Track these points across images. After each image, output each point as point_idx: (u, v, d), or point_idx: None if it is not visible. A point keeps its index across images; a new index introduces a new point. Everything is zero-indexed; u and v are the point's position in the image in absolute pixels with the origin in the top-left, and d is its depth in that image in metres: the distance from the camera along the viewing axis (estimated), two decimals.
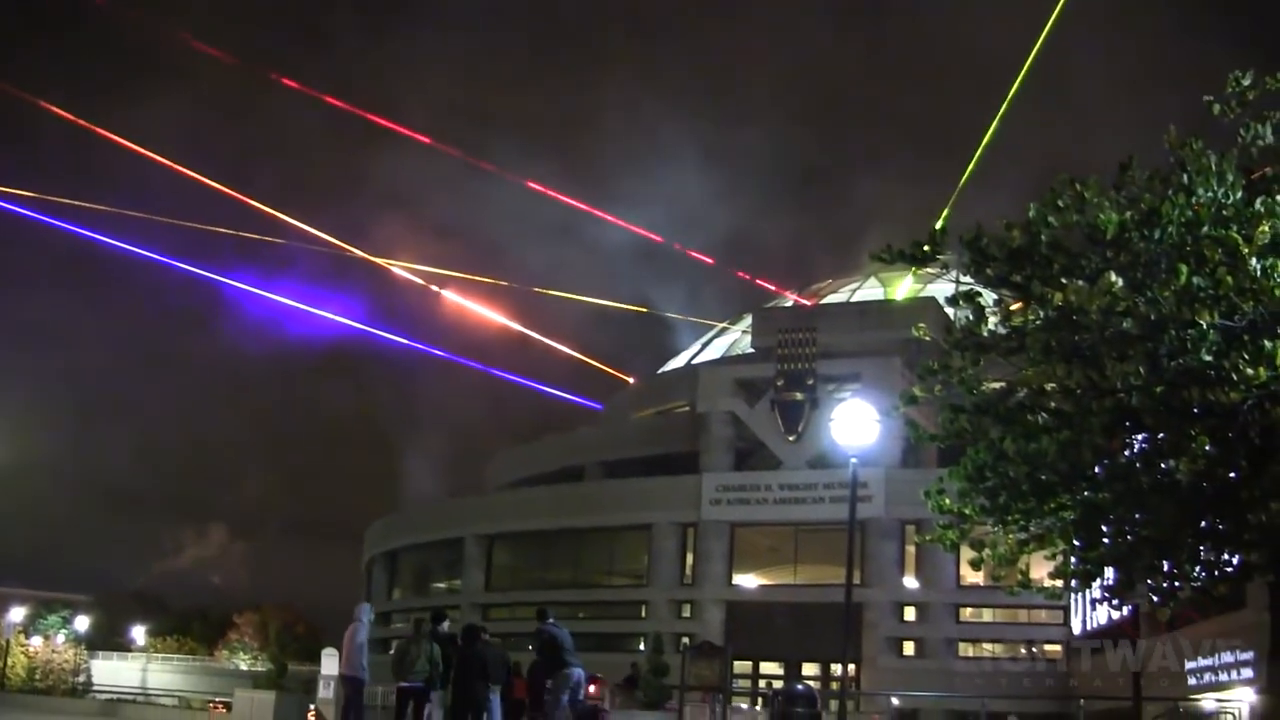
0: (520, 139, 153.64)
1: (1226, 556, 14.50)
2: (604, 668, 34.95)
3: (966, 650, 49.32)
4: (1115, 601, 17.34)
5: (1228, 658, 27.79)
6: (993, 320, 14.64)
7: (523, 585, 58.81)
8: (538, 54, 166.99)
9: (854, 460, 19.99)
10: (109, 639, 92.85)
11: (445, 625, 21.13)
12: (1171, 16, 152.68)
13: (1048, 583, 16.49)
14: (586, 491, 58.64)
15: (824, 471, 47.50)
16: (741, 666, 47.84)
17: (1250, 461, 13.01)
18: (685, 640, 42.97)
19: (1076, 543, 15.04)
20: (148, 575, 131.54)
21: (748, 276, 74.93)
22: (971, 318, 14.53)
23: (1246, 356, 11.62)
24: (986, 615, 49.72)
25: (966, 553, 16.28)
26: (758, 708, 38.89)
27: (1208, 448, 12.44)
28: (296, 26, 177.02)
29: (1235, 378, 11.66)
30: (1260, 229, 11.90)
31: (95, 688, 66.06)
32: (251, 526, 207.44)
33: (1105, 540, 14.76)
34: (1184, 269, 11.95)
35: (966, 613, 49.72)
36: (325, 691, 29.36)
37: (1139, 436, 14.01)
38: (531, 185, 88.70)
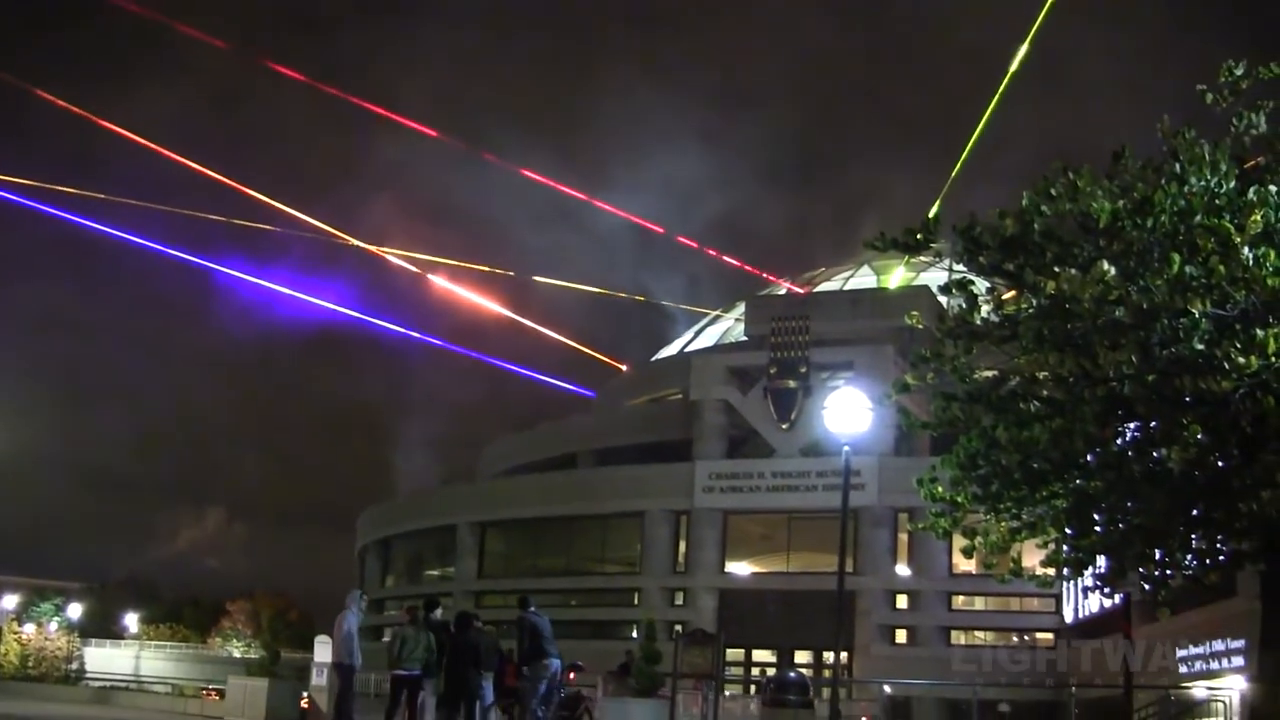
0: (516, 127, 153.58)
1: (1218, 545, 14.54)
2: (596, 655, 34.96)
3: (958, 638, 49.49)
4: (1107, 590, 17.29)
5: (1219, 646, 27.88)
6: (985, 308, 14.63)
7: (515, 573, 58.83)
8: (536, 42, 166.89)
9: (847, 448, 20.01)
10: (102, 626, 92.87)
11: (438, 613, 21.14)
12: (1170, 6, 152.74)
13: (1039, 571, 16.50)
14: (579, 479, 58.70)
15: (817, 459, 47.50)
16: (734, 654, 48.05)
17: (1242, 450, 13.03)
18: (678, 628, 43.03)
19: (1068, 531, 15.07)
20: (141, 562, 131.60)
21: (741, 264, 74.71)
22: (964, 306, 14.52)
23: (1238, 345, 11.64)
24: (978, 603, 49.88)
25: (959, 541, 16.31)
26: (750, 695, 38.92)
27: (1199, 436, 12.46)
28: (291, 14, 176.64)
29: (1227, 366, 11.67)
30: (1252, 218, 11.90)
31: (88, 675, 65.99)
32: (245, 513, 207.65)
33: (1097, 528, 14.79)
34: (1176, 258, 11.96)
35: (958, 601, 49.90)
36: (318, 679, 29.33)
37: (1131, 425, 14.04)
38: (527, 174, 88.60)
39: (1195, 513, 13.94)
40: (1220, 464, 13.22)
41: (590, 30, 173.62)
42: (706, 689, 25.17)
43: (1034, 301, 13.68)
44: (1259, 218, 11.94)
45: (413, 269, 79.69)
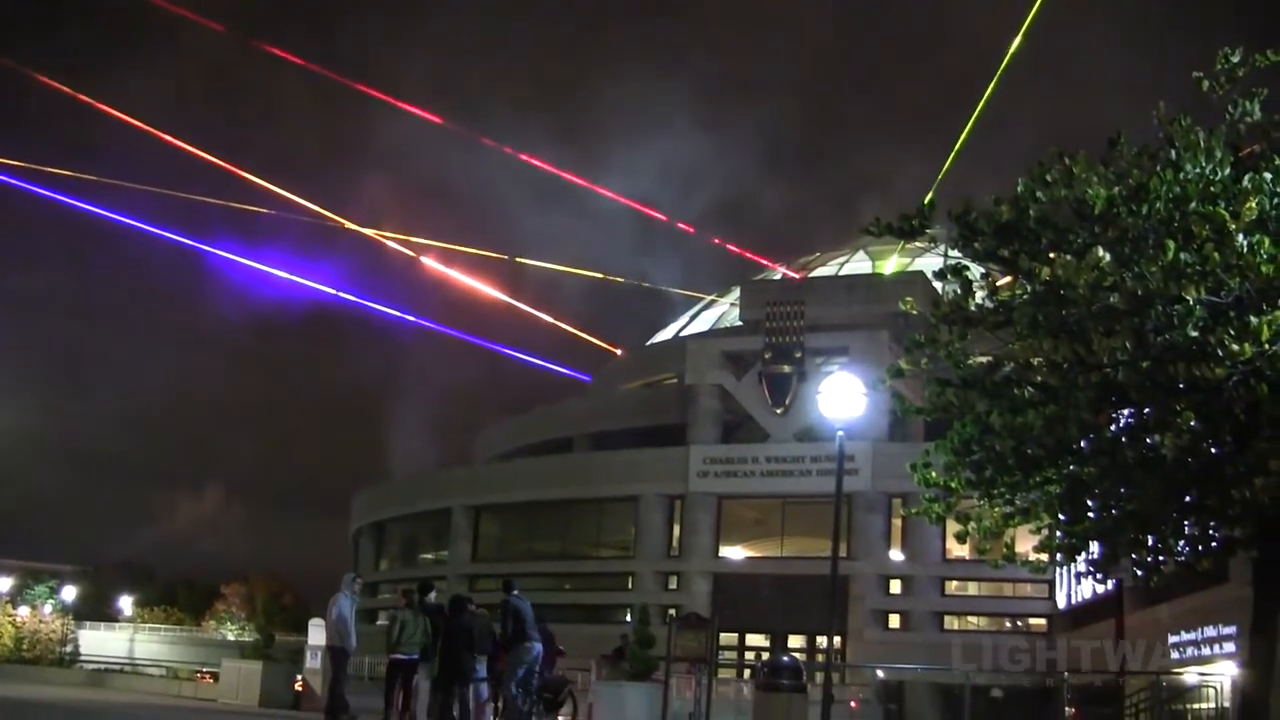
0: (515, 111, 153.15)
1: (1210, 531, 14.58)
2: (590, 639, 35.08)
3: (952, 623, 49.60)
4: (1100, 575, 17.39)
5: (1210, 632, 27.95)
6: (980, 294, 14.65)
7: (510, 556, 58.91)
8: (537, 27, 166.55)
9: (841, 433, 19.99)
10: (96, 609, 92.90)
11: (433, 596, 21.17)
12: None
13: (1033, 556, 16.52)
14: (574, 463, 58.75)
15: (811, 444, 47.57)
16: (728, 638, 48.12)
17: (1235, 437, 13.07)
18: (671, 612, 43.07)
19: (1062, 517, 15.10)
20: (135, 545, 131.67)
21: (739, 250, 74.60)
22: (959, 292, 14.54)
23: (1232, 332, 11.66)
24: (972, 589, 50.00)
25: (952, 526, 16.33)
26: (743, 679, 39.00)
27: (1193, 423, 12.48)
28: None
29: (1221, 353, 11.69)
30: (1247, 205, 11.92)
31: (82, 658, 65.94)
32: (240, 496, 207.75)
33: (1090, 514, 14.83)
34: (1171, 245, 11.98)
35: (952, 586, 49.99)
36: (312, 662, 29.37)
37: (1125, 411, 14.06)
38: (525, 158, 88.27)
39: (1188, 499, 13.98)
40: (1213, 451, 13.26)
41: (591, 16, 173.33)
42: (700, 673, 25.23)
43: (1029, 287, 13.71)
44: (1254, 205, 11.96)
45: (408, 252, 79.47)
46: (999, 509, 15.48)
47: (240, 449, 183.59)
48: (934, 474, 15.59)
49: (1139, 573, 15.34)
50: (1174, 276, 11.99)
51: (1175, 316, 12.09)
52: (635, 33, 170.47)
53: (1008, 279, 14.79)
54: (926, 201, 14.98)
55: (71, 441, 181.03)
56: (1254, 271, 11.76)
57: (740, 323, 57.73)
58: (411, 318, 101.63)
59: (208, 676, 44.28)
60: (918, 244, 35.15)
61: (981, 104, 62.43)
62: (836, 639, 41.99)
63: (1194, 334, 12.01)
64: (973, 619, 50.44)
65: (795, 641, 49.24)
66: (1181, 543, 14.81)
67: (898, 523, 49.16)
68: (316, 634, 29.08)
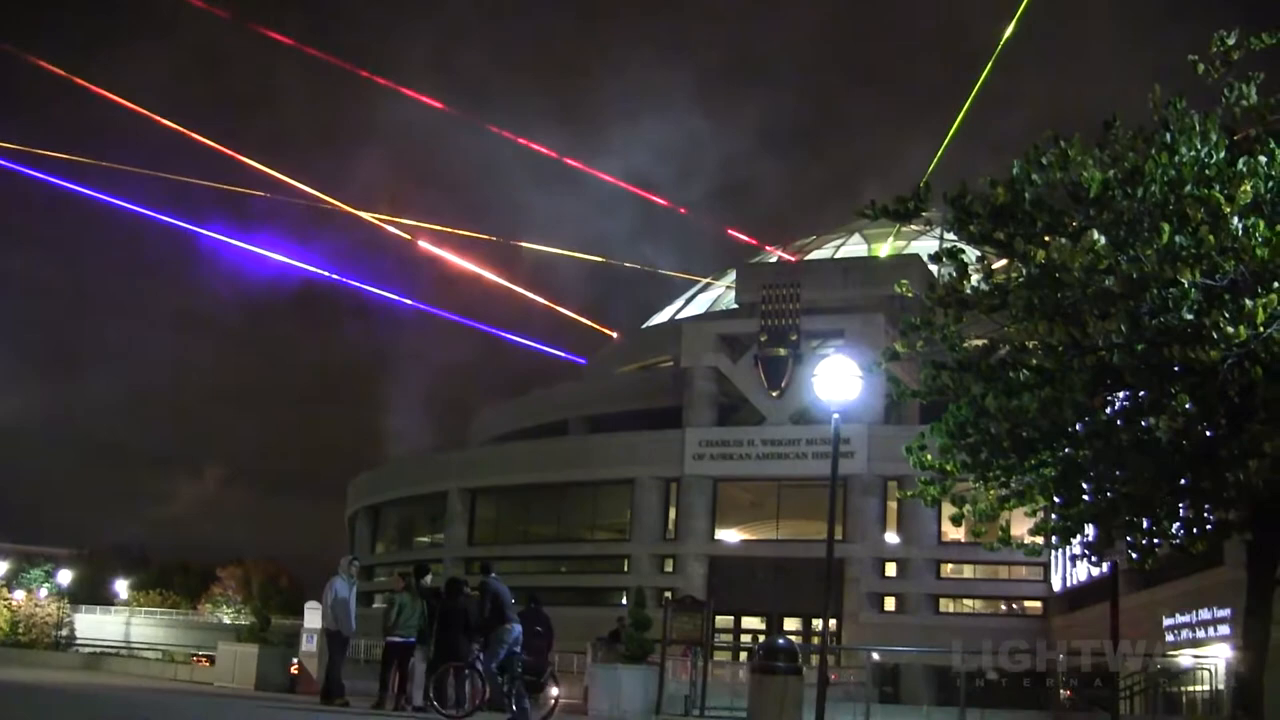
0: (515, 93, 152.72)
1: (1205, 514, 14.61)
2: (586, 622, 35.14)
3: (947, 606, 49.72)
4: (1095, 558, 17.40)
5: (1205, 614, 28.04)
6: (976, 277, 14.65)
7: (506, 539, 58.96)
8: (535, 5, 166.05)
9: (836, 416, 19.99)
10: (92, 592, 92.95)
11: (429, 579, 21.18)
12: None
13: (1028, 539, 16.58)
14: (570, 446, 58.72)
15: (806, 427, 47.56)
16: (723, 621, 48.15)
17: (1229, 420, 13.09)
18: (667, 595, 43.11)
19: (1057, 499, 15.13)
20: (130, 528, 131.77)
21: (737, 232, 74.59)
22: (955, 275, 14.54)
23: (1227, 315, 11.66)
24: (967, 571, 50.07)
25: (948, 509, 16.38)
26: (739, 662, 39.10)
27: (1188, 406, 12.49)
28: None
29: (1215, 336, 11.69)
30: (1242, 188, 11.92)
31: (78, 641, 66.17)
32: (235, 478, 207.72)
33: (1085, 497, 14.85)
34: (1166, 228, 11.98)
35: (947, 569, 50.05)
36: (308, 645, 29.42)
37: (1120, 394, 14.08)
38: (524, 141, 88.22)
39: (1183, 482, 14.00)
40: (1208, 433, 13.28)
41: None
42: (695, 655, 25.29)
43: (1024, 270, 13.71)
44: (1249, 188, 11.96)
45: (404, 235, 79.40)
46: (994, 492, 15.51)
47: (236, 432, 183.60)
48: (929, 457, 15.63)
49: (1134, 555, 15.37)
50: (1169, 260, 12.00)
51: (1170, 299, 12.09)
52: (636, 15, 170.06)
53: (1003, 262, 14.80)
54: (922, 184, 14.95)
55: (67, 425, 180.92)
56: (1249, 255, 11.77)
57: (736, 305, 57.69)
58: (408, 300, 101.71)
59: (204, 660, 44.43)
60: (913, 227, 35.18)
61: (976, 87, 62.60)
62: (832, 621, 42.15)
63: (1189, 317, 12.01)
64: (968, 602, 50.56)
65: (791, 624, 49.31)
66: (1176, 525, 14.85)
67: (893, 505, 49.21)
68: (312, 617, 29.12)
